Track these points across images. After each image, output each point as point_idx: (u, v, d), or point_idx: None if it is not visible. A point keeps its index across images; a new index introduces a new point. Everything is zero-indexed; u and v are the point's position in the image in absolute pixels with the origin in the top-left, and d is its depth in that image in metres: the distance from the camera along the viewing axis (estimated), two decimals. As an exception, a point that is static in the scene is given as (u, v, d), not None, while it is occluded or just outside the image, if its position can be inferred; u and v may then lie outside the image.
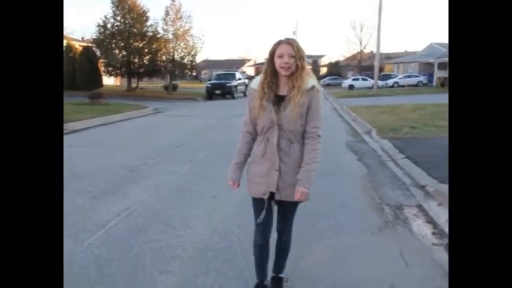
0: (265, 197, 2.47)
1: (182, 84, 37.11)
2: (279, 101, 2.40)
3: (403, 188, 5.47)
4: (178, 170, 6.50)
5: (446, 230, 3.98)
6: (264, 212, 2.50)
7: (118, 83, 40.11)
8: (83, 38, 40.20)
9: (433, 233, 3.97)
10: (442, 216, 4.34)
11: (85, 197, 5.02)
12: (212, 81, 28.16)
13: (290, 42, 2.35)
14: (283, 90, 2.42)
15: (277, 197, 2.46)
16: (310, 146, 2.42)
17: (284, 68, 2.34)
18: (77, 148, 8.64)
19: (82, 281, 3.00)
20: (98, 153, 8.10)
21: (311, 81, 2.40)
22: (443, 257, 3.42)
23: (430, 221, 4.28)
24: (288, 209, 2.57)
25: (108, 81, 33.86)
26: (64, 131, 10.96)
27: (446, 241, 3.74)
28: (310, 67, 2.43)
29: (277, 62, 2.35)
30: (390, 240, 3.80)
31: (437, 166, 6.10)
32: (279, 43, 2.37)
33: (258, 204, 2.54)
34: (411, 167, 6.43)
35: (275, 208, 2.57)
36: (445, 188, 5.01)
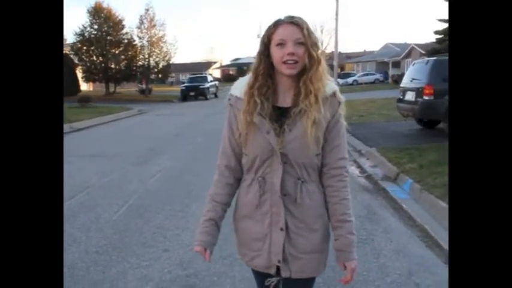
0: (272, 272, 1.60)
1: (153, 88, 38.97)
2: (279, 116, 1.50)
3: (346, 152, 8.01)
4: (186, 148, 8.84)
5: (368, 170, 6.53)
6: None
7: (91, 88, 41.50)
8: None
9: (359, 172, 6.51)
10: (367, 164, 6.91)
11: (129, 164, 7.26)
12: (186, 84, 30.31)
13: (296, 22, 1.45)
14: (285, 100, 1.53)
15: (284, 274, 1.57)
16: (341, 192, 1.54)
17: (288, 64, 1.44)
18: (94, 140, 10.79)
19: (160, 196, 5.30)
20: (115, 142, 10.26)
21: (331, 84, 1.52)
22: (362, 180, 5.97)
23: (359, 166, 6.83)
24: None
25: (83, 86, 35.33)
26: (71, 129, 13.00)
27: (365, 174, 6.26)
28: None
29: (277, 53, 1.45)
30: (333, 175, 6.28)
31: (371, 139, 8.72)
32: (278, 24, 1.47)
33: (262, 279, 1.66)
34: (354, 140, 9.01)
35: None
36: (372, 150, 7.58)
